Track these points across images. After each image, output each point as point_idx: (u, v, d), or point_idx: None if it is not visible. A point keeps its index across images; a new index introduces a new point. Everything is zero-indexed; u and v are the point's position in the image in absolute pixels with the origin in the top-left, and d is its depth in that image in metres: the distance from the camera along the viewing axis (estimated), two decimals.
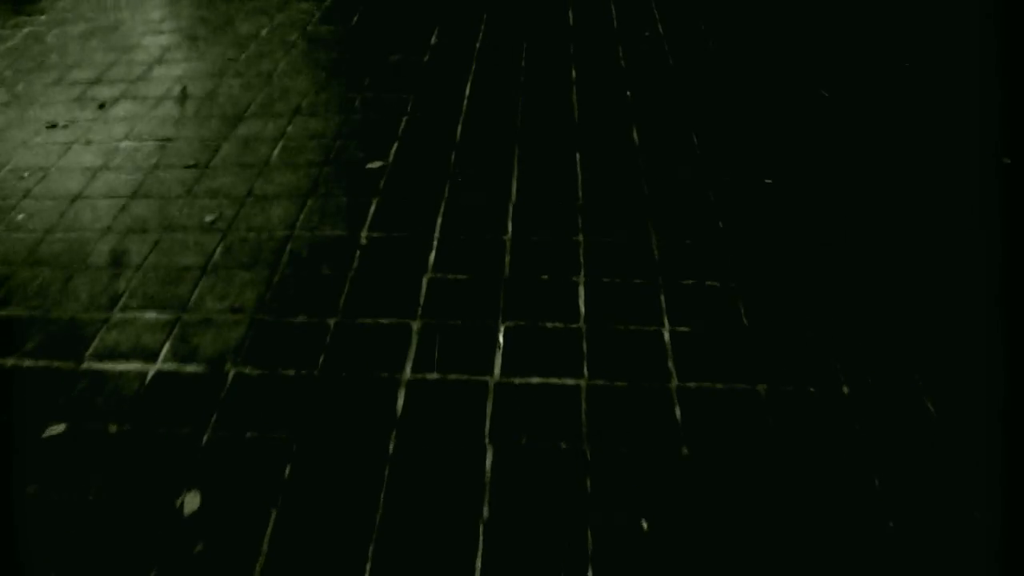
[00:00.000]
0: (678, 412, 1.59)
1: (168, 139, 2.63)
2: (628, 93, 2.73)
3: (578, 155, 2.39)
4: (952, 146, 2.36)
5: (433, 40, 3.19)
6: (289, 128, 2.62)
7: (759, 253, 1.98)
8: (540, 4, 3.47)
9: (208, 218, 2.22)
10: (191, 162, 2.49)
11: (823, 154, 2.35)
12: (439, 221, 2.14)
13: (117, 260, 2.08)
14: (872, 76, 2.75)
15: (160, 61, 3.21)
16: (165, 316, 1.90)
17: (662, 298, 1.85)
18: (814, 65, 2.85)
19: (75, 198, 2.38)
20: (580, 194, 2.22)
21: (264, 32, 3.38)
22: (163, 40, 3.40)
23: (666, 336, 1.75)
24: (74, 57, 3.32)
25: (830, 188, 2.20)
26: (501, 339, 1.76)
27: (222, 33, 3.40)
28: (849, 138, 2.42)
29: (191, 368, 1.75)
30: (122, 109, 2.86)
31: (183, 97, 2.88)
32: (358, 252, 2.04)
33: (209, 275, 2.01)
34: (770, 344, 1.73)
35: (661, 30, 3.19)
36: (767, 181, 2.24)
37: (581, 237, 2.05)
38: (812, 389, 1.63)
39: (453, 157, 2.40)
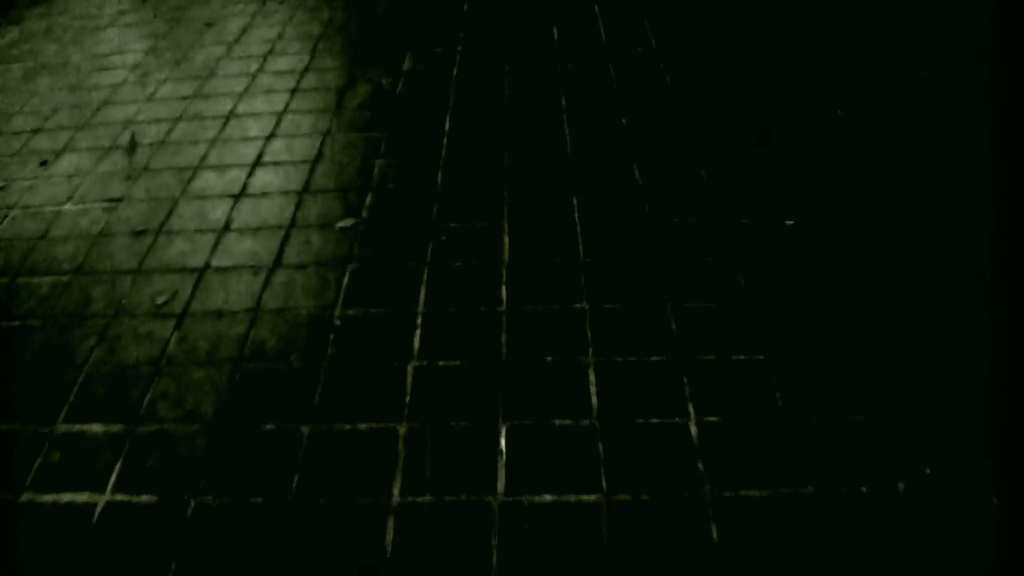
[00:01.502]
0: (714, 530, 1.36)
1: (116, 199, 2.36)
2: (624, 120, 2.48)
3: (575, 200, 2.14)
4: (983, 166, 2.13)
5: (406, 66, 2.92)
6: (249, 181, 2.36)
7: (788, 315, 1.74)
8: (521, 20, 3.20)
9: (160, 299, 1.96)
10: (140, 228, 2.22)
11: (847, 183, 2.11)
12: (423, 292, 1.89)
13: (59, 356, 1.82)
14: (886, 87, 2.51)
15: (109, 102, 2.92)
16: (114, 428, 1.65)
17: (684, 380, 1.61)
18: (825, 78, 2.60)
19: (14, 275, 2.11)
20: (581, 250, 1.97)
21: (221, 65, 3.09)
22: (113, 77, 3.11)
23: (693, 429, 1.52)
24: (16, 102, 3.03)
25: (859, 225, 1.97)
26: (503, 444, 1.52)
27: (176, 68, 3.11)
28: (873, 162, 2.18)
29: (145, 498, 1.50)
30: (66, 163, 2.58)
31: (132, 146, 2.61)
32: (332, 336, 1.79)
33: (163, 373, 1.75)
34: (811, 432, 1.50)
35: (654, 44, 2.93)
36: (788, 222, 2.00)
37: (586, 304, 1.80)
38: (864, 488, 1.41)
39: (435, 210, 2.15)
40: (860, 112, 2.40)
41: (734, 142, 2.32)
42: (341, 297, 1.90)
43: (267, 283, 1.96)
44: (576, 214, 2.10)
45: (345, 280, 1.95)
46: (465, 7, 3.34)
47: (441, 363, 1.70)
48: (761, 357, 1.65)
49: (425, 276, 1.94)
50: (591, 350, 1.69)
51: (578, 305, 1.81)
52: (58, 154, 2.65)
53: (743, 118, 2.43)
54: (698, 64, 2.75)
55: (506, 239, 2.03)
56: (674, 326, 1.74)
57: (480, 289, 1.88)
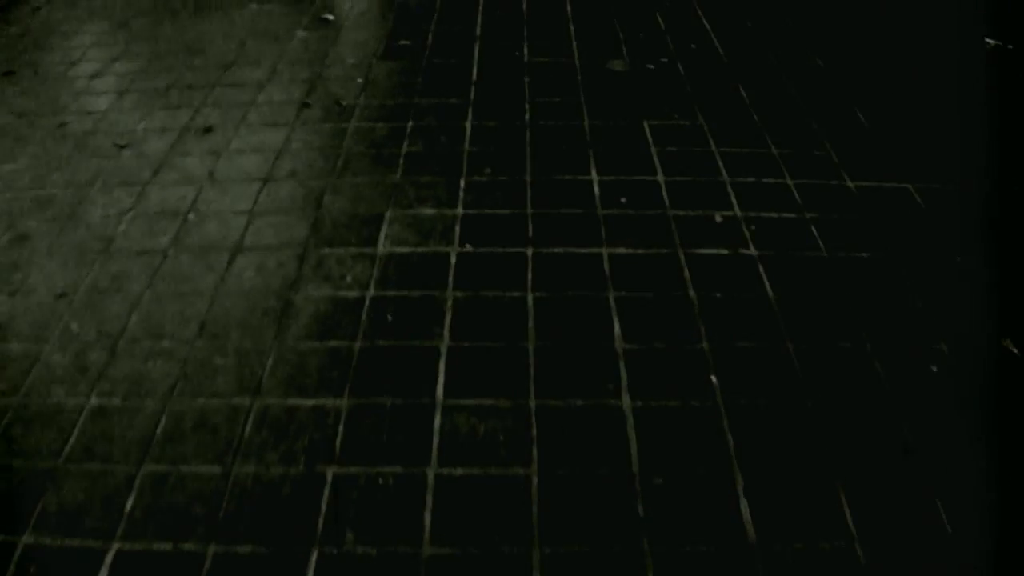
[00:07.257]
0: None
1: None
2: (714, 379, 1.63)
3: (640, 507, 1.31)
4: None
5: (381, 246, 2.05)
6: (137, 482, 1.51)
7: None
8: (554, 157, 2.31)
9: None
10: None
11: None
12: None
13: None
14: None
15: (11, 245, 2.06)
16: None
17: None
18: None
19: None
20: None
21: (125, 225, 2.22)
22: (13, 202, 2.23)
23: None
24: None
25: None
26: None
27: (100, 195, 2.24)
28: None
29: None
30: None
31: None
32: None
33: None
34: None
35: (741, 214, 2.06)
36: None
37: None
38: None
39: (427, 535, 1.31)
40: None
41: (880, 448, 1.47)
42: None
43: None
44: (648, 554, 1.26)
45: None
46: (467, 127, 2.45)
47: None
48: None
49: None
50: None
51: None
52: None
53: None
54: (805, 260, 1.88)
55: None
56: None
57: None
